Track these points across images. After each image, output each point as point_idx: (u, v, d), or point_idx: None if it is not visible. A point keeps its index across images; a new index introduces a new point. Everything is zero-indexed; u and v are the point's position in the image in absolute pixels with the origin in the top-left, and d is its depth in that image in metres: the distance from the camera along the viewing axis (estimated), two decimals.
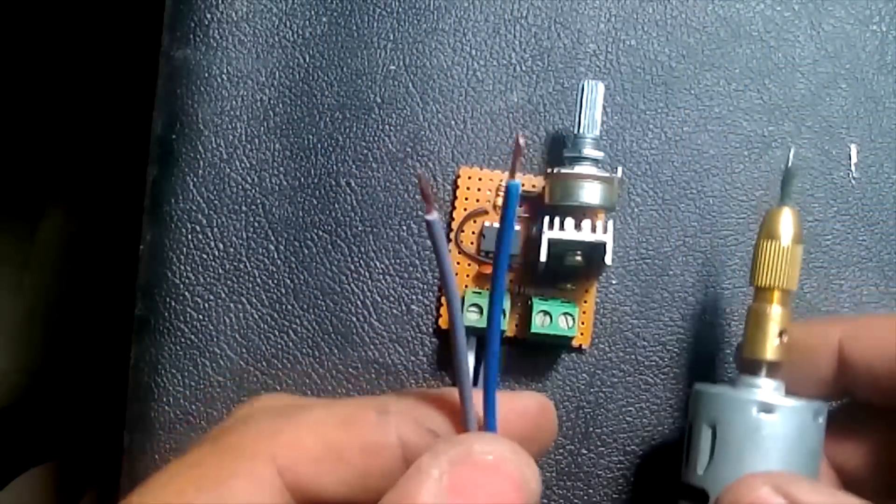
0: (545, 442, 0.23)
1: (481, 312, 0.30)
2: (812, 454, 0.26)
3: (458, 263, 0.32)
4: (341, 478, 0.20)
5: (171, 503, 0.19)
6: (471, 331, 0.31)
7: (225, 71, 0.33)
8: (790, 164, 0.27)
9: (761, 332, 0.27)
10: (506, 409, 0.21)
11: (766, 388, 0.26)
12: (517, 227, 0.31)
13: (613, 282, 0.32)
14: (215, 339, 0.32)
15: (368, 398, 0.21)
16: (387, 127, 0.33)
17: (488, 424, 0.20)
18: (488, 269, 0.31)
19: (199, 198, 0.32)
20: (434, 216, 0.19)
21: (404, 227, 0.32)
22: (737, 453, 0.25)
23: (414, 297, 0.32)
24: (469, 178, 0.32)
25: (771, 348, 0.27)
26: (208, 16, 0.33)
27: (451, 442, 0.19)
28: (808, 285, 0.32)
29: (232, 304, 0.32)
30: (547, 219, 0.29)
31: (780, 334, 0.27)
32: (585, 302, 0.31)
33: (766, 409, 0.25)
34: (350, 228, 0.32)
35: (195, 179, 0.32)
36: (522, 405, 0.22)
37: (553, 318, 0.30)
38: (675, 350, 0.32)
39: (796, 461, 0.26)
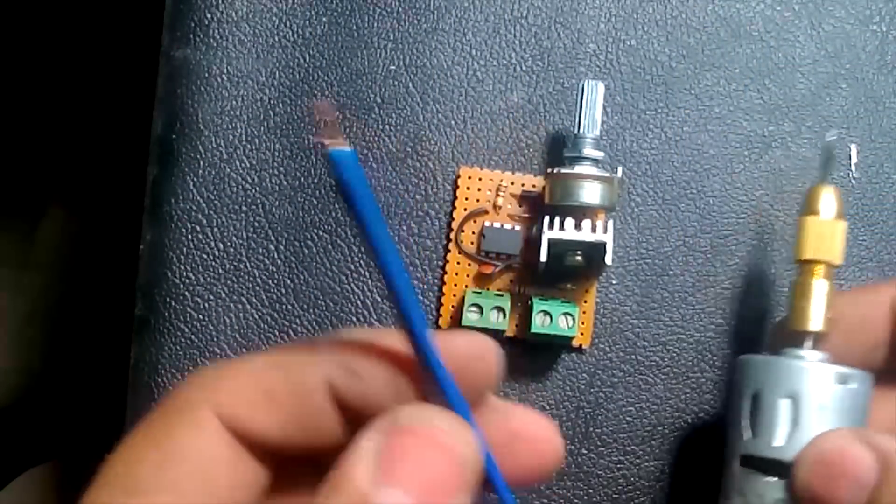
0: (483, 386, 0.21)
1: (481, 312, 0.30)
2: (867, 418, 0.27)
3: (458, 263, 0.32)
4: (277, 420, 0.20)
5: (128, 463, 0.20)
6: (470, 331, 0.31)
7: (225, 71, 0.33)
8: (829, 141, 0.29)
9: (807, 305, 0.27)
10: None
11: (812, 359, 0.27)
12: (517, 227, 0.31)
13: (613, 282, 0.32)
14: (215, 339, 0.32)
15: (305, 341, 0.21)
16: (387, 127, 0.33)
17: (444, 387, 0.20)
18: (488, 270, 0.31)
19: (199, 198, 0.32)
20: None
21: (404, 227, 0.32)
22: (818, 423, 0.26)
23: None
24: (469, 177, 0.32)
25: (817, 320, 0.27)
26: (208, 16, 0.33)
27: (386, 415, 0.19)
28: None
29: (232, 304, 0.32)
30: (547, 219, 0.29)
31: (826, 307, 0.27)
32: (585, 302, 0.31)
33: (843, 379, 0.26)
34: (350, 229, 0.32)
35: (195, 179, 0.32)
36: (451, 346, 0.21)
37: (553, 318, 0.30)
38: (675, 350, 0.32)
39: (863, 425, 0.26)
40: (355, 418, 0.20)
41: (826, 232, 0.27)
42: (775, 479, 0.26)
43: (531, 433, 0.21)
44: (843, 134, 0.33)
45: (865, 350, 0.28)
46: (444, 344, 0.20)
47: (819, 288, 0.27)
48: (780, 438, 0.26)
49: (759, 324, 0.32)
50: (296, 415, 0.20)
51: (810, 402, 0.26)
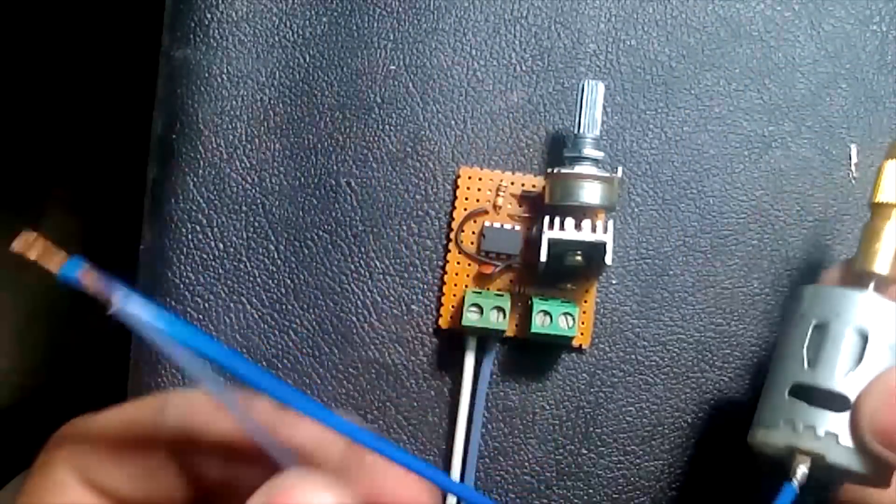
0: None
1: (481, 312, 0.30)
2: None
3: (458, 263, 0.32)
4: (125, 472, 0.20)
5: None
6: (470, 331, 0.31)
7: (225, 71, 0.33)
8: None
9: (878, 246, 0.26)
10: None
11: (873, 299, 0.26)
12: (517, 227, 0.31)
13: (613, 282, 0.32)
14: (215, 339, 0.32)
15: (155, 396, 0.22)
16: (387, 127, 0.33)
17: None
18: (488, 269, 0.31)
19: (199, 198, 0.32)
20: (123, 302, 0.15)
21: (404, 227, 0.32)
22: (884, 362, 0.25)
23: (414, 297, 0.32)
24: (469, 177, 0.32)
25: (886, 262, 0.26)
26: (208, 16, 0.33)
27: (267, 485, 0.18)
28: None
29: (232, 304, 0.32)
30: (547, 219, 0.29)
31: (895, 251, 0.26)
32: (586, 302, 0.31)
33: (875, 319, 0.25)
34: (350, 228, 0.32)
35: (195, 179, 0.32)
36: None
37: (553, 317, 0.30)
38: (675, 350, 0.32)
39: None
40: (200, 476, 0.21)
41: None
42: (831, 411, 0.25)
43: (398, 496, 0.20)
44: (843, 134, 0.33)
45: None
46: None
47: (890, 231, 0.26)
48: (842, 372, 0.25)
49: (760, 325, 0.32)
50: (141, 471, 0.20)
51: (881, 340, 0.25)
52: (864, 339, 0.25)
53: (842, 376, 0.25)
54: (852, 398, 0.25)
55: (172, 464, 0.21)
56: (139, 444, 0.21)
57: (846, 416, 0.25)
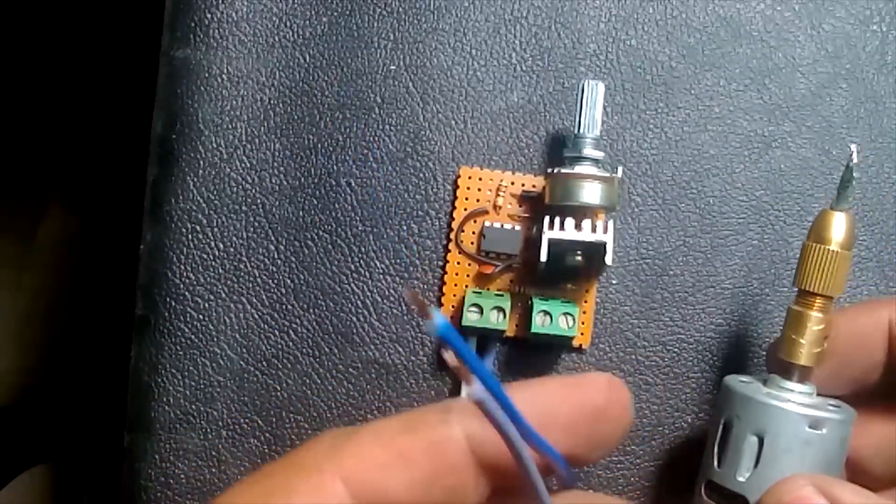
0: (620, 432, 0.21)
1: (481, 312, 0.30)
2: (844, 459, 0.26)
3: (459, 263, 0.32)
4: (409, 480, 0.19)
5: None
6: (470, 331, 0.31)
7: (225, 71, 0.33)
8: (851, 164, 0.25)
9: (801, 337, 0.26)
10: (567, 405, 0.21)
11: (801, 393, 0.26)
12: (517, 227, 0.31)
13: (614, 282, 0.32)
14: (215, 339, 0.32)
15: (428, 408, 0.21)
16: (387, 127, 0.33)
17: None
18: (488, 270, 0.31)
19: (199, 198, 0.32)
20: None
21: (404, 227, 0.32)
22: (784, 465, 0.25)
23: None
24: (469, 177, 0.32)
25: (809, 354, 0.26)
26: (208, 16, 0.33)
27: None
28: None
29: (232, 304, 0.32)
30: (547, 219, 0.29)
31: (820, 340, 0.26)
32: (586, 302, 0.31)
33: (816, 424, 0.25)
34: (350, 228, 0.32)
35: (195, 179, 0.32)
36: (583, 399, 0.21)
37: (553, 318, 0.30)
38: (675, 350, 0.32)
39: (835, 469, 0.26)
40: (495, 473, 0.20)
41: (830, 263, 0.25)
42: None
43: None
44: (843, 134, 0.33)
45: (861, 370, 0.27)
46: (572, 399, 0.20)
47: (815, 321, 0.26)
48: (744, 473, 0.25)
49: (760, 324, 0.32)
50: (431, 472, 0.20)
51: (777, 444, 0.25)
52: (763, 442, 0.25)
53: (742, 478, 0.25)
54: (752, 501, 0.25)
55: (470, 461, 0.20)
56: (430, 442, 0.20)
57: None
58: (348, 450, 0.20)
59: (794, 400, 0.26)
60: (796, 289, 0.26)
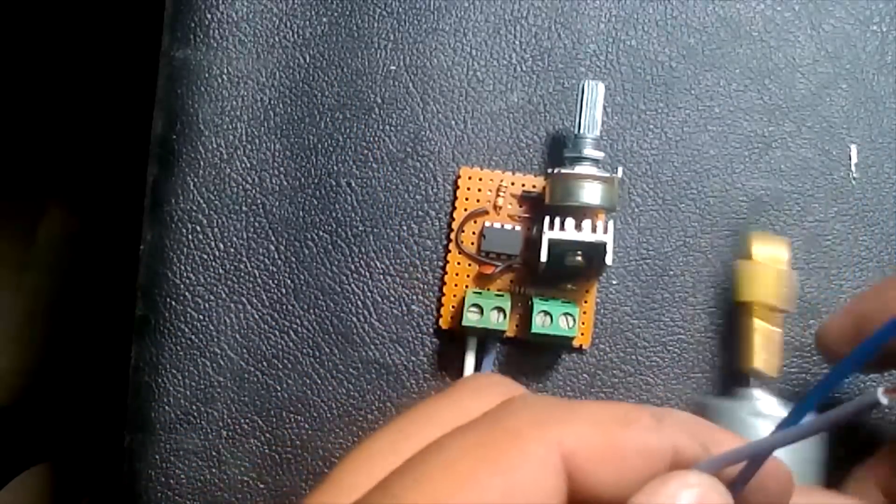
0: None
1: (481, 313, 0.30)
2: (808, 462, 0.27)
3: (459, 264, 0.32)
4: (617, 476, 0.19)
5: (462, 483, 0.18)
6: (470, 331, 0.31)
7: (225, 71, 0.33)
8: (757, 199, 0.31)
9: (750, 345, 0.29)
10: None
11: (761, 398, 0.28)
12: (518, 228, 0.31)
13: (614, 282, 0.32)
14: (216, 339, 0.32)
15: (636, 405, 0.21)
16: (387, 127, 0.33)
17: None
18: (488, 270, 0.31)
19: (199, 198, 0.32)
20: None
21: (405, 227, 0.32)
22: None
23: (414, 297, 0.32)
24: (469, 178, 0.32)
25: (760, 360, 0.29)
26: (208, 16, 0.33)
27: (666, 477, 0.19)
28: (808, 285, 0.32)
29: (232, 304, 0.32)
30: (547, 219, 0.29)
31: (768, 346, 0.29)
32: (586, 302, 0.31)
33: (761, 419, 0.27)
34: (350, 228, 0.32)
35: (195, 179, 0.32)
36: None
37: (553, 318, 0.30)
38: (676, 350, 0.32)
39: (810, 467, 0.27)
40: None
41: (761, 275, 0.29)
42: None
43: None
44: (843, 134, 0.33)
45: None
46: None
47: (759, 328, 0.29)
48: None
49: None
50: (637, 475, 0.19)
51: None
52: None
53: None
54: None
55: (667, 465, 0.19)
56: (643, 444, 0.19)
57: None
58: (568, 426, 0.19)
59: (751, 402, 0.28)
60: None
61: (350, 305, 0.32)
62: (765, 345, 0.29)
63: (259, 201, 0.32)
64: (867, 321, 0.26)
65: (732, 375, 0.30)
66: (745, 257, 0.30)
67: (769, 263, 0.29)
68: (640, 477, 0.19)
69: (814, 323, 0.32)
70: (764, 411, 0.28)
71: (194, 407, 0.32)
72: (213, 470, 0.32)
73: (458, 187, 0.32)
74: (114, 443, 0.33)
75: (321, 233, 0.32)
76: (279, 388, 0.32)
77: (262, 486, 0.31)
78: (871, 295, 0.27)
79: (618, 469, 0.19)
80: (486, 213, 0.32)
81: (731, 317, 0.32)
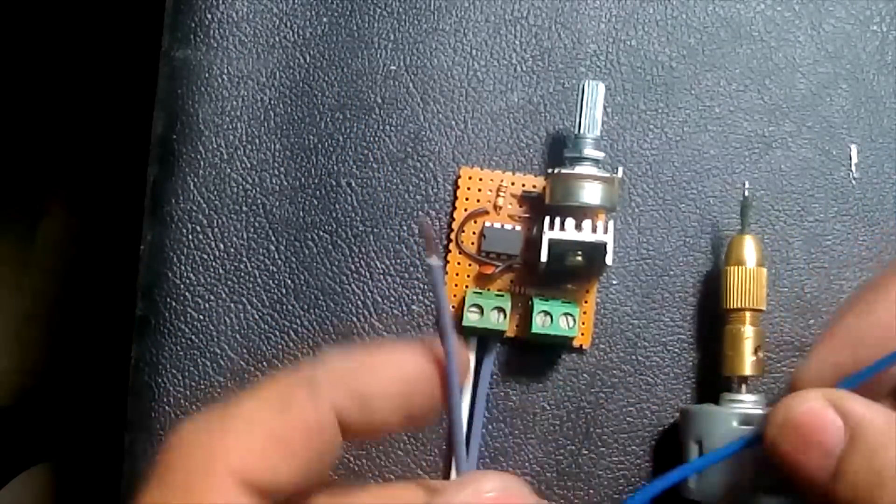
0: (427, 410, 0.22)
1: (482, 313, 0.30)
2: None
3: (459, 264, 0.32)
4: (290, 465, 0.20)
5: None
6: (470, 331, 0.31)
7: (225, 71, 0.33)
8: (746, 194, 0.30)
9: (738, 351, 0.29)
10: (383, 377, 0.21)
11: (747, 403, 0.29)
12: (518, 228, 0.31)
13: (614, 282, 0.32)
14: (216, 340, 0.32)
15: (293, 372, 0.21)
16: (387, 127, 0.33)
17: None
18: (489, 270, 0.31)
19: (199, 198, 0.32)
20: (435, 260, 0.20)
21: (405, 228, 0.32)
22: (724, 465, 0.27)
23: (414, 297, 0.32)
24: (469, 178, 0.32)
25: (748, 364, 0.29)
26: (208, 16, 0.33)
27: (460, 485, 0.20)
28: (809, 285, 0.32)
29: (232, 305, 0.32)
30: (547, 219, 0.29)
31: (756, 350, 0.29)
32: (586, 302, 0.31)
33: (746, 421, 0.27)
34: (350, 229, 0.32)
35: (195, 179, 0.32)
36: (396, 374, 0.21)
37: (554, 318, 0.30)
38: (676, 350, 0.32)
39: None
40: (354, 435, 0.20)
41: (750, 281, 0.29)
42: None
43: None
44: (843, 134, 0.33)
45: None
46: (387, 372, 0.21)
47: (748, 334, 0.29)
48: (692, 481, 0.28)
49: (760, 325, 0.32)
50: (309, 455, 0.20)
51: (713, 444, 0.27)
52: (702, 446, 0.28)
53: (692, 486, 0.28)
54: None
55: (339, 437, 0.20)
56: (305, 424, 0.20)
57: None
58: (228, 440, 0.19)
59: (736, 405, 0.29)
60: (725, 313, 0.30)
61: (350, 305, 0.32)
62: (753, 350, 0.29)
63: (259, 201, 0.32)
64: (864, 347, 0.25)
65: (729, 377, 0.30)
66: (736, 263, 0.30)
67: (756, 267, 0.29)
68: (312, 453, 0.20)
69: (814, 323, 0.32)
70: (753, 413, 0.28)
71: (194, 407, 0.32)
72: None
73: (458, 187, 0.32)
74: (114, 443, 0.33)
75: (321, 233, 0.32)
76: None
77: None
78: (856, 317, 0.26)
79: (287, 458, 0.20)
80: (487, 213, 0.32)
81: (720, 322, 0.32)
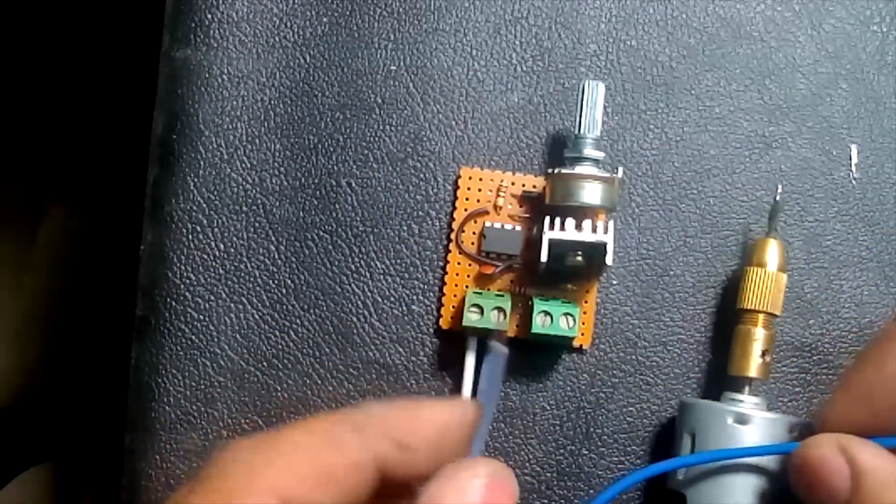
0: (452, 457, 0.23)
1: (482, 313, 0.30)
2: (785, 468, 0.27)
3: (459, 264, 0.32)
4: (329, 498, 0.20)
5: None
6: (470, 331, 0.31)
7: (225, 71, 0.33)
8: (778, 197, 0.31)
9: (746, 352, 0.29)
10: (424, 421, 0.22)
11: (747, 404, 0.29)
12: (518, 228, 0.31)
13: (614, 282, 0.32)
14: (216, 340, 0.32)
15: (338, 414, 0.22)
16: (387, 127, 0.33)
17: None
18: (489, 270, 0.31)
19: (199, 198, 0.32)
20: (502, 347, 0.21)
21: (405, 228, 0.32)
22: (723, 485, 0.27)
23: (414, 297, 0.32)
24: (469, 178, 0.32)
25: (755, 366, 0.29)
26: (208, 16, 0.33)
27: (457, 468, 0.20)
28: (809, 285, 0.32)
29: (232, 305, 0.32)
30: (548, 219, 0.29)
31: (763, 354, 0.29)
32: (586, 302, 0.31)
33: (742, 419, 0.28)
34: (350, 229, 0.32)
35: (196, 180, 0.32)
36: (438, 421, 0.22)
37: (554, 318, 0.30)
38: (676, 350, 0.32)
39: (769, 472, 0.27)
40: (392, 489, 0.21)
41: (769, 284, 0.29)
42: None
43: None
44: (843, 134, 0.33)
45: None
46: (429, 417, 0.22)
47: (759, 337, 0.29)
48: (681, 473, 0.28)
49: None
50: (350, 492, 0.21)
51: (706, 440, 0.28)
52: (695, 439, 0.28)
53: (681, 477, 0.29)
54: (689, 499, 0.28)
55: (376, 480, 0.21)
56: (350, 462, 0.21)
57: None
58: (277, 466, 0.20)
59: (735, 403, 0.29)
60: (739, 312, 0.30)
61: (350, 305, 0.32)
62: (762, 353, 0.29)
63: (259, 201, 0.32)
64: (879, 399, 0.26)
65: (734, 377, 0.30)
66: (757, 264, 0.30)
67: (777, 271, 0.30)
68: (353, 491, 0.21)
69: (814, 323, 0.32)
70: (750, 414, 0.28)
71: (194, 407, 0.32)
72: None
73: (458, 187, 0.32)
74: (114, 443, 0.33)
75: (321, 233, 0.32)
76: (279, 388, 0.32)
77: None
78: (871, 368, 0.26)
79: (331, 491, 0.20)
80: (487, 213, 0.32)
81: (730, 319, 0.32)
